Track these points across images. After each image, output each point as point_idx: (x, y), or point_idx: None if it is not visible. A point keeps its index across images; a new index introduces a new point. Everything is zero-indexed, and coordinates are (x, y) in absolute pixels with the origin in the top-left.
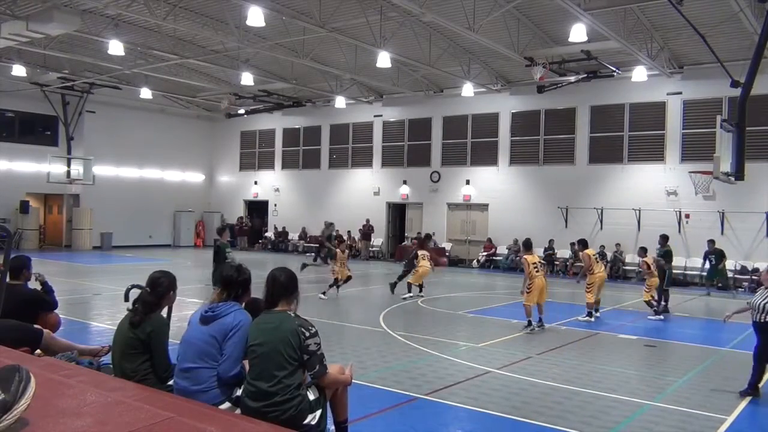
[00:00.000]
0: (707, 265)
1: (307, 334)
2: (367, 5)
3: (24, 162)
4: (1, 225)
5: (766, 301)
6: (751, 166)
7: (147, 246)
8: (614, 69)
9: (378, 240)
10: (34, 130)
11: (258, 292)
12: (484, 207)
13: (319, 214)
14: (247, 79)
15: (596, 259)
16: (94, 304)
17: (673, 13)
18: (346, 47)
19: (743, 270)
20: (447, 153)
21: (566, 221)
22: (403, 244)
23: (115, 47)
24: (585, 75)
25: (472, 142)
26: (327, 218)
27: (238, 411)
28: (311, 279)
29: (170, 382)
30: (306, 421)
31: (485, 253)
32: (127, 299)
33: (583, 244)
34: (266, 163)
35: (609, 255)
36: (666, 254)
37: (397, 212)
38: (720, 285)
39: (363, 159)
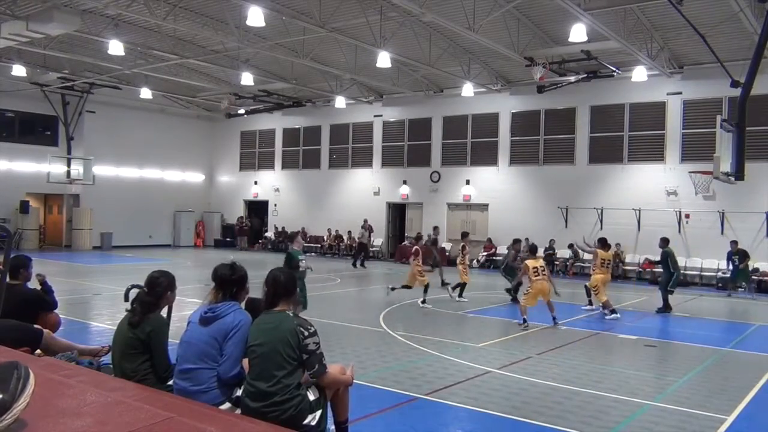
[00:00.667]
0: (730, 266)
1: (306, 333)
2: (367, 5)
3: (24, 162)
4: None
5: None
6: (751, 166)
7: (147, 246)
8: (614, 69)
9: (378, 240)
10: (34, 130)
11: (256, 291)
12: (484, 207)
13: (319, 214)
14: (247, 79)
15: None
16: (94, 304)
17: (673, 13)
18: (346, 47)
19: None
20: (447, 153)
21: (566, 221)
22: (403, 243)
23: (115, 47)
24: (585, 75)
25: (472, 142)
26: (327, 218)
27: (238, 411)
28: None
29: (170, 382)
30: (306, 422)
31: (485, 253)
32: (127, 299)
33: (602, 243)
34: (266, 163)
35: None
36: (669, 256)
37: (397, 212)
38: (741, 287)
39: (363, 159)
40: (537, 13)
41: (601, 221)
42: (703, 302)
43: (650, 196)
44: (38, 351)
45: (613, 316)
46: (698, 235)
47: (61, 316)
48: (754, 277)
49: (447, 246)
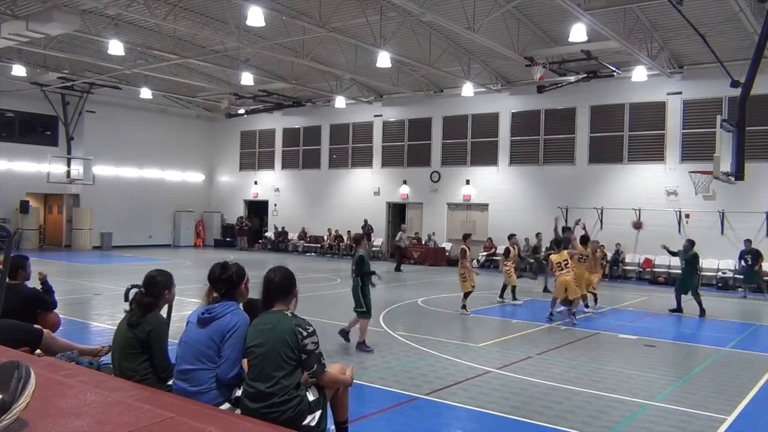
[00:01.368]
0: (742, 264)
1: (305, 333)
2: (366, 5)
3: (24, 162)
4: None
5: None
6: (751, 165)
7: (147, 246)
8: (614, 69)
9: (378, 240)
10: (34, 130)
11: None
12: (484, 207)
13: (319, 214)
14: (247, 79)
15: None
16: (94, 304)
17: (673, 13)
18: (346, 47)
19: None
20: (447, 153)
21: (566, 221)
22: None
23: (115, 47)
24: (585, 75)
25: (472, 142)
26: (327, 218)
27: (237, 411)
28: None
29: (170, 382)
30: (305, 422)
31: (485, 253)
32: (127, 299)
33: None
34: (266, 163)
35: (609, 255)
36: (696, 258)
37: (397, 212)
38: (754, 287)
39: (363, 159)
40: (537, 12)
41: (601, 221)
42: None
43: (650, 196)
44: (38, 351)
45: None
46: (698, 235)
47: (61, 316)
48: None
49: (447, 246)
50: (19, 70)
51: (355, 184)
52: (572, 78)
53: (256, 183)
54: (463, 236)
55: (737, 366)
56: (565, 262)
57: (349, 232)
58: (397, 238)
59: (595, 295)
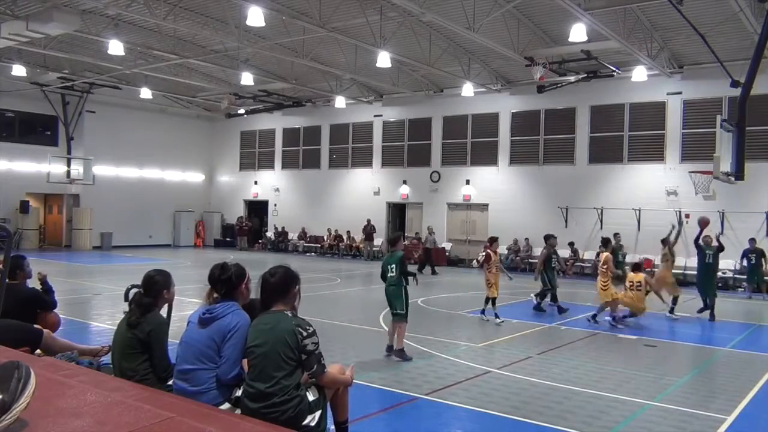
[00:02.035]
0: (745, 263)
1: (305, 333)
2: (366, 5)
3: (24, 162)
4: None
5: None
6: (751, 165)
7: (147, 246)
8: (614, 69)
9: (378, 240)
10: (34, 130)
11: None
12: (484, 207)
13: (319, 214)
14: (247, 79)
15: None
16: (94, 304)
17: (673, 13)
18: (346, 47)
19: (744, 270)
20: (447, 153)
21: (566, 221)
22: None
23: (115, 47)
24: (585, 75)
25: (472, 142)
26: (327, 218)
27: (238, 411)
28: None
29: (170, 382)
30: (305, 422)
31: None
32: (127, 299)
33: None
34: (266, 163)
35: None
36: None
37: (397, 212)
38: (755, 287)
39: (363, 159)
40: (537, 12)
41: (601, 221)
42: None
43: (650, 196)
44: (38, 351)
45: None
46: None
47: (60, 316)
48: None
49: (447, 246)
50: (19, 70)
51: (355, 184)
52: (572, 78)
53: (256, 183)
54: (489, 240)
55: (737, 366)
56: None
57: (348, 232)
58: (423, 240)
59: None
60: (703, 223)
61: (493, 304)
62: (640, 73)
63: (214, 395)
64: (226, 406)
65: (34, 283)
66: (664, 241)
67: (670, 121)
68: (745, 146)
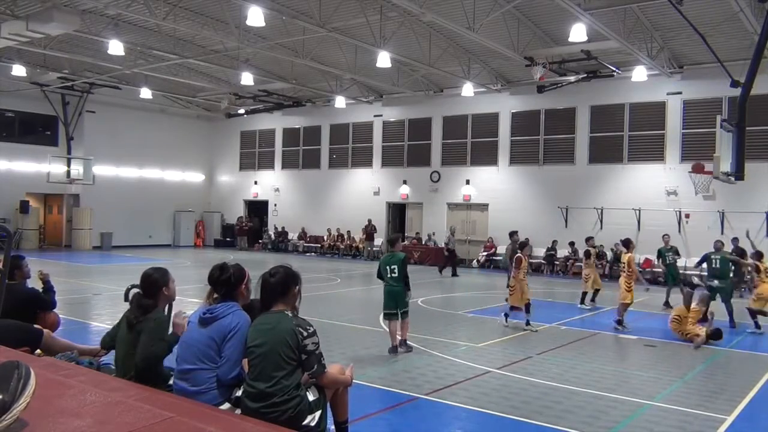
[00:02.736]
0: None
1: (305, 333)
2: (366, 5)
3: (24, 162)
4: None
5: None
6: (751, 165)
7: (147, 246)
8: (614, 69)
9: (378, 240)
10: (34, 130)
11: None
12: (484, 207)
13: (319, 214)
14: (247, 78)
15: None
16: (94, 304)
17: (673, 13)
18: (346, 47)
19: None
20: (447, 153)
21: (566, 221)
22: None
23: (115, 47)
24: (585, 75)
25: (472, 141)
26: (327, 218)
27: (238, 411)
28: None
29: (170, 382)
30: (305, 422)
31: (485, 253)
32: (127, 299)
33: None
34: (266, 163)
35: (609, 254)
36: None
37: (397, 212)
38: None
39: (363, 159)
40: (537, 12)
41: (601, 221)
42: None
43: (650, 195)
44: (38, 351)
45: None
46: (698, 235)
47: (60, 316)
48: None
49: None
50: (19, 70)
51: (355, 184)
52: (572, 78)
53: (256, 183)
54: (520, 245)
55: (737, 366)
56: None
57: (348, 232)
58: (445, 241)
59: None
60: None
61: (527, 310)
62: (640, 73)
63: (214, 395)
64: (226, 406)
65: (35, 283)
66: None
67: (670, 121)
68: (745, 146)
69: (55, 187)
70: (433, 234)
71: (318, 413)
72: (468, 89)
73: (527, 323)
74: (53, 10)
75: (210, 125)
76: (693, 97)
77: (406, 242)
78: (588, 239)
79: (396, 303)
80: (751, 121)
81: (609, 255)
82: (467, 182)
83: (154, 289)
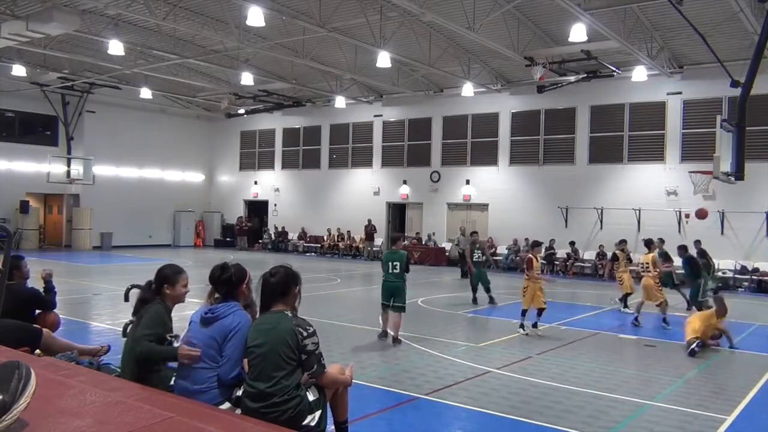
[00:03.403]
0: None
1: (305, 333)
2: (366, 5)
3: (24, 162)
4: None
5: None
6: (751, 165)
7: (147, 246)
8: (614, 69)
9: (378, 240)
10: (34, 130)
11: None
12: (484, 207)
13: (319, 214)
14: (247, 79)
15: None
16: (94, 303)
17: (673, 13)
18: (346, 47)
19: (743, 270)
20: (447, 153)
21: (566, 221)
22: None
23: (115, 47)
24: (585, 75)
25: (472, 141)
26: (327, 218)
27: (238, 411)
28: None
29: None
30: (305, 422)
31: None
32: (127, 299)
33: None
34: (266, 163)
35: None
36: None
37: (397, 212)
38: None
39: (363, 159)
40: (537, 12)
41: (601, 221)
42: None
43: (650, 196)
44: (38, 351)
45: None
46: (698, 235)
47: (60, 316)
48: (754, 277)
49: (447, 246)
50: (19, 70)
51: (355, 184)
52: (572, 78)
53: (256, 183)
54: (532, 244)
55: (737, 366)
56: (646, 265)
57: (348, 232)
58: (455, 242)
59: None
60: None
61: (539, 314)
62: (640, 73)
63: (214, 394)
64: (226, 405)
65: (36, 282)
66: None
67: (670, 121)
68: (745, 146)
69: (55, 187)
70: (433, 234)
71: (318, 413)
72: (468, 89)
73: (533, 325)
74: (53, 10)
75: (210, 125)
76: (693, 97)
77: (406, 242)
78: (620, 242)
79: (391, 296)
80: (751, 121)
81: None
82: (467, 182)
83: (158, 283)
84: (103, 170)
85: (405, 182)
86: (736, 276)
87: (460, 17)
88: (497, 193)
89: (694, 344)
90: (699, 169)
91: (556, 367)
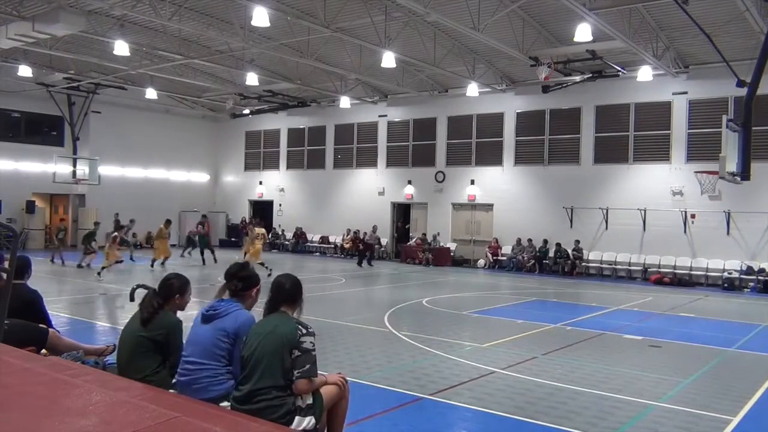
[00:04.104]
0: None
1: (304, 331)
2: (371, 5)
3: (30, 162)
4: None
5: None
6: (757, 165)
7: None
8: (619, 69)
9: (383, 240)
10: (40, 130)
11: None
12: (488, 207)
13: (324, 214)
14: (251, 79)
15: None
16: (100, 303)
17: (679, 13)
18: (350, 47)
19: (749, 270)
20: (452, 153)
21: (571, 221)
22: (408, 243)
23: (121, 48)
24: (590, 75)
25: (476, 142)
26: (331, 218)
27: None
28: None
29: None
30: (294, 426)
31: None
32: (132, 299)
33: None
34: (271, 163)
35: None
36: None
37: (402, 212)
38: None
39: (368, 159)
40: (542, 12)
41: (607, 221)
42: (708, 302)
43: (656, 196)
44: (44, 350)
45: None
46: (704, 235)
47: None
48: (760, 278)
49: (452, 246)
50: (25, 70)
51: (359, 184)
52: (577, 78)
53: (261, 183)
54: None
55: (743, 367)
56: None
57: (355, 232)
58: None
59: None
60: None
61: None
62: (645, 73)
63: (215, 391)
64: (225, 403)
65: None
66: None
67: (675, 121)
68: (751, 146)
69: (61, 187)
70: (438, 234)
71: (309, 419)
72: (473, 89)
73: None
74: (59, 11)
75: (215, 125)
76: (699, 96)
77: (411, 242)
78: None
79: None
80: (757, 120)
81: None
82: (472, 182)
83: (168, 293)
84: (108, 170)
85: (410, 182)
86: (742, 276)
87: (464, 17)
88: (502, 193)
89: None
90: (705, 169)
91: (561, 368)
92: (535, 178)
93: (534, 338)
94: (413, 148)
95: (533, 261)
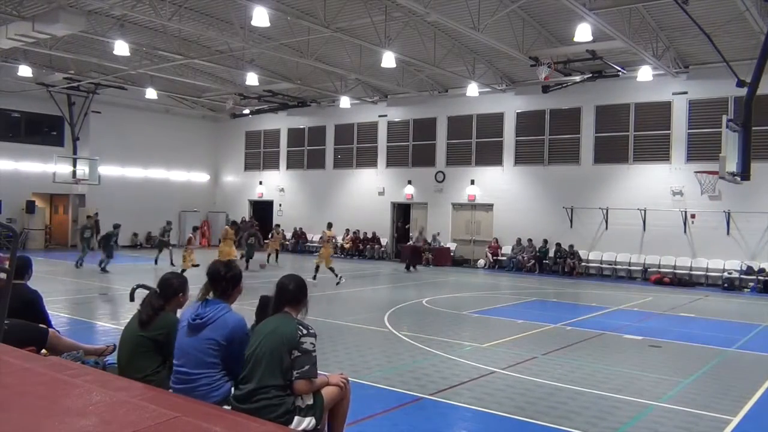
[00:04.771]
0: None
1: (305, 331)
2: (371, 5)
3: (30, 162)
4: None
5: None
6: (757, 166)
7: (152, 246)
8: (619, 69)
9: (383, 240)
10: (40, 130)
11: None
12: (488, 207)
13: (324, 214)
14: (251, 79)
15: None
16: (100, 303)
17: (679, 13)
18: (350, 47)
19: (749, 270)
20: (452, 153)
21: (571, 221)
22: (408, 243)
23: (121, 48)
24: (590, 75)
25: (476, 142)
26: (331, 218)
27: None
28: None
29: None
30: (293, 426)
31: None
32: (132, 299)
33: None
34: (271, 163)
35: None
36: None
37: (402, 212)
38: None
39: (368, 159)
40: (542, 12)
41: (607, 221)
42: (708, 302)
43: (656, 196)
44: (44, 350)
45: None
46: (704, 236)
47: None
48: (760, 278)
49: (452, 246)
50: (25, 70)
51: (359, 184)
52: (577, 78)
53: (261, 183)
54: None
55: (743, 367)
56: None
57: (354, 232)
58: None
59: None
60: None
61: None
62: (645, 73)
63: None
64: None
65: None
66: None
67: (675, 121)
68: (751, 146)
69: (61, 187)
70: (438, 234)
71: (309, 420)
72: (473, 89)
73: None
74: (59, 11)
75: (215, 125)
76: (699, 96)
77: (411, 243)
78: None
79: None
80: (757, 120)
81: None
82: (472, 182)
83: (170, 293)
84: (108, 170)
85: (410, 182)
86: (742, 276)
87: (464, 17)
88: (502, 193)
89: None
90: (705, 169)
91: (561, 368)
92: (535, 178)
93: (534, 338)
94: (413, 148)
95: (533, 261)
